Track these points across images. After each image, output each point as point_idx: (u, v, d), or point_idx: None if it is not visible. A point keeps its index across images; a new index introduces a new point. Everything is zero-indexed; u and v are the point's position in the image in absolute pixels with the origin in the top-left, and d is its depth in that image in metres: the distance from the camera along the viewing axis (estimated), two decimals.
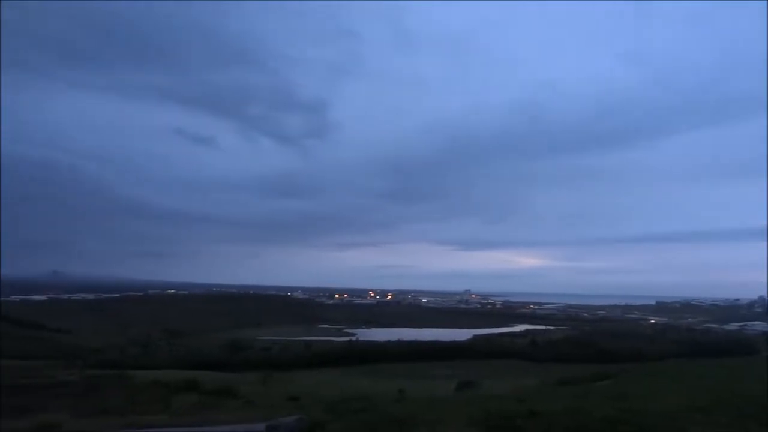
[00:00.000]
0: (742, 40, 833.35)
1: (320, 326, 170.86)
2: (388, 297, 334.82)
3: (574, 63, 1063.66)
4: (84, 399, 23.52)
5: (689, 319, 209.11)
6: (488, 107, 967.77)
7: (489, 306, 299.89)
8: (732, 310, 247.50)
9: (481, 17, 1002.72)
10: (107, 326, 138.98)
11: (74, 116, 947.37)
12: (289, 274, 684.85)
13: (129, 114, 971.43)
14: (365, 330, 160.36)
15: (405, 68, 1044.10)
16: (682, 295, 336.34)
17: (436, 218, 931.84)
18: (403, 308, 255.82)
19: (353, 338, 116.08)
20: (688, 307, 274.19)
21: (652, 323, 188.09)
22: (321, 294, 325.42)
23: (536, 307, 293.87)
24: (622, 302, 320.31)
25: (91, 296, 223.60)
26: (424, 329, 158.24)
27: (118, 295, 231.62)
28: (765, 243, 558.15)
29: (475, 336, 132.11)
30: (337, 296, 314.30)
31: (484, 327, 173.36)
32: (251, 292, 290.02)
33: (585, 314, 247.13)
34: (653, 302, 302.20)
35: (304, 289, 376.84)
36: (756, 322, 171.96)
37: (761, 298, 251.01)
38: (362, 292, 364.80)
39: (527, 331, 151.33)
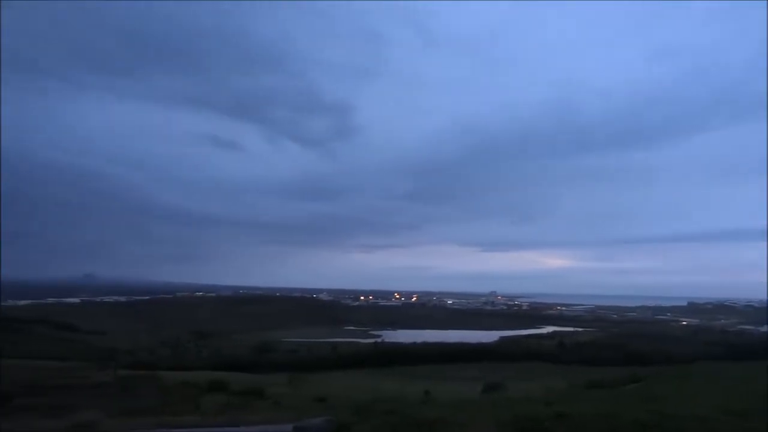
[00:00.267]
0: None
1: (346, 328, 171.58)
2: (413, 299, 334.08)
3: (603, 60, 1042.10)
4: (117, 399, 24.10)
5: (722, 321, 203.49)
6: (515, 107, 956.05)
7: (515, 307, 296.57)
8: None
9: (507, 17, 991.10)
10: (138, 328, 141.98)
11: (105, 123, 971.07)
12: (315, 276, 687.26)
13: (157, 120, 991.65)
14: (390, 332, 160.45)
15: (429, 69, 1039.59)
16: (715, 296, 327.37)
17: (461, 219, 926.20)
18: (428, 310, 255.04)
19: (379, 340, 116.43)
20: (721, 308, 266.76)
21: (684, 325, 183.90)
22: (346, 296, 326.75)
23: (563, 308, 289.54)
24: (653, 303, 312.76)
25: (122, 299, 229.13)
26: (449, 331, 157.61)
27: (148, 297, 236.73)
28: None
29: (502, 338, 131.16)
30: (362, 298, 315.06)
31: (511, 329, 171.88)
32: (277, 293, 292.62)
33: (614, 316, 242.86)
34: (685, 303, 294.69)
35: (329, 291, 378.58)
36: None
37: None
38: (387, 294, 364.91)
39: (554, 332, 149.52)
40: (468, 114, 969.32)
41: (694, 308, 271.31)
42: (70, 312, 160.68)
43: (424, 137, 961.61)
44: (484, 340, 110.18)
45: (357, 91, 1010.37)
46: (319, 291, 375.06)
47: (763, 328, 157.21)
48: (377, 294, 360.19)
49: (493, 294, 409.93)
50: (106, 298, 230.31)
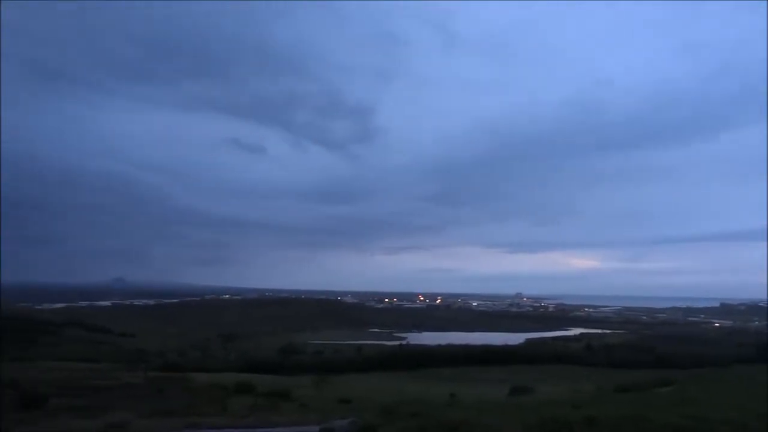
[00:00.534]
0: None
1: (370, 330, 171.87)
2: (438, 301, 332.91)
3: (629, 57, 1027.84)
4: (148, 400, 24.55)
5: (756, 322, 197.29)
6: (540, 106, 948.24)
7: (541, 309, 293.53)
8: None
9: (529, 16, 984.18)
10: (167, 330, 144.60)
11: (132, 129, 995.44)
12: (339, 278, 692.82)
13: (183, 125, 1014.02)
14: (415, 334, 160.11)
15: (450, 70, 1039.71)
16: (749, 297, 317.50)
17: (485, 220, 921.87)
18: (452, 312, 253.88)
19: (403, 342, 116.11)
20: (755, 309, 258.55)
21: (717, 326, 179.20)
22: (370, 298, 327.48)
23: (591, 310, 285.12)
24: (684, 305, 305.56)
25: (151, 302, 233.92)
26: (474, 333, 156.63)
27: (176, 300, 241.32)
28: None
29: (528, 340, 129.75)
30: (386, 300, 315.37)
31: (537, 331, 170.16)
32: (302, 296, 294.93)
33: (644, 317, 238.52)
34: (717, 304, 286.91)
35: (353, 294, 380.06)
36: None
37: None
38: (411, 296, 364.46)
39: (582, 334, 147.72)
40: (490, 114, 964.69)
41: (726, 309, 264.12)
42: (101, 315, 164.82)
43: (446, 138, 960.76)
44: (509, 342, 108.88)
45: (378, 94, 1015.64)
46: (344, 293, 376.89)
47: None
48: (401, 296, 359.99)
49: (519, 295, 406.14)
50: (136, 301, 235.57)
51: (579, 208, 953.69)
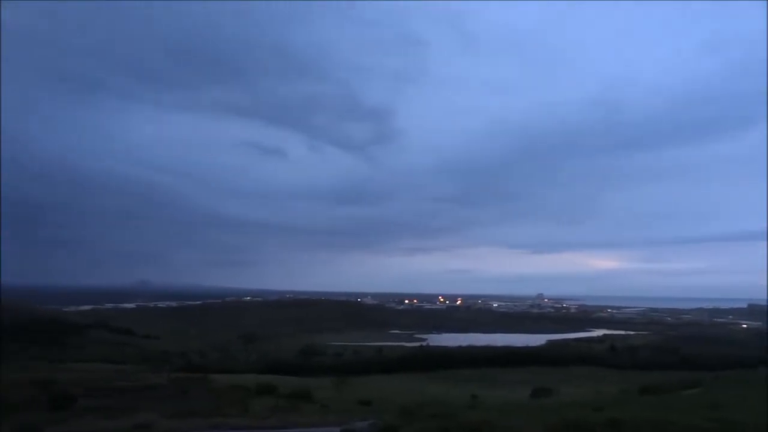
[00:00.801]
0: None
1: (391, 331, 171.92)
2: (458, 302, 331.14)
3: (652, 54, 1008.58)
4: (172, 401, 24.95)
5: None
6: (560, 105, 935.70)
7: (563, 310, 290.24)
8: None
9: (549, 15, 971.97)
10: (189, 332, 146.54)
11: (154, 133, 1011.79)
12: (359, 279, 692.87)
13: (204, 129, 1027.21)
14: (436, 335, 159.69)
15: (470, 71, 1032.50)
16: None
17: (505, 221, 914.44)
18: (473, 313, 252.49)
19: (424, 343, 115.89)
20: None
21: (744, 328, 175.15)
22: (391, 299, 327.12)
23: (614, 311, 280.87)
24: (710, 305, 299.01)
25: (174, 304, 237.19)
26: (495, 334, 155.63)
27: (199, 302, 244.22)
28: None
29: (550, 341, 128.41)
30: (406, 301, 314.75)
31: (559, 332, 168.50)
32: (323, 298, 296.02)
33: (668, 318, 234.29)
34: (745, 305, 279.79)
35: (373, 295, 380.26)
36: None
37: None
38: (431, 297, 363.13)
39: (605, 336, 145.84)
40: (511, 115, 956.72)
41: (754, 310, 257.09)
42: (126, 317, 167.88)
43: (466, 139, 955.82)
44: (531, 344, 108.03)
45: (397, 95, 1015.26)
46: (364, 295, 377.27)
47: None
48: (421, 297, 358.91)
49: (540, 296, 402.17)
50: (160, 304, 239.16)
51: (600, 208, 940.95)
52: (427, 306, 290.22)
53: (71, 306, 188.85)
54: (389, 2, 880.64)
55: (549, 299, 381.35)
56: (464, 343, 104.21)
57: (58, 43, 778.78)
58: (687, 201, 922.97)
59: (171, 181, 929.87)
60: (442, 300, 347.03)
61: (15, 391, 24.74)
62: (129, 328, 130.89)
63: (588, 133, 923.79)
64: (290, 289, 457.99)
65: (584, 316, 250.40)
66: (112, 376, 36.35)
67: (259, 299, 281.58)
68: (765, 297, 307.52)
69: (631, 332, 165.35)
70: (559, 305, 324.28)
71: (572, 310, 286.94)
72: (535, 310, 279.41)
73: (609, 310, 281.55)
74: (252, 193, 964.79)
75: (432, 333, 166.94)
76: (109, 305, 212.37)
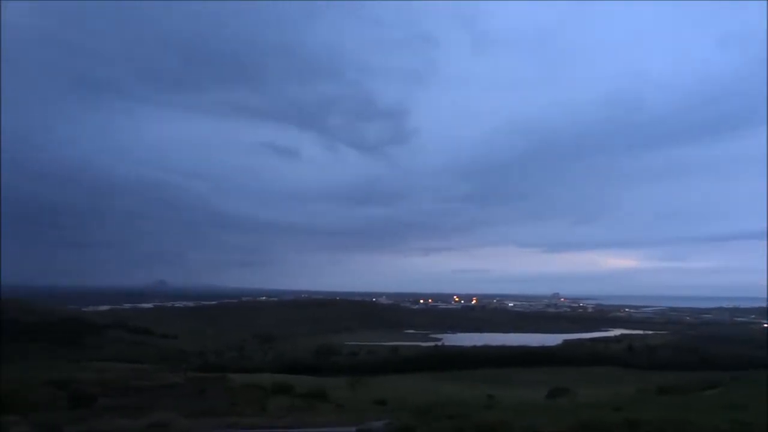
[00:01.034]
0: None
1: (406, 331, 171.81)
2: (473, 301, 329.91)
3: (668, 50, 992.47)
4: (189, 400, 25.21)
5: None
6: (576, 103, 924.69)
7: (580, 309, 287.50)
8: None
9: (562, 14, 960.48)
10: (206, 332, 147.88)
11: (171, 136, 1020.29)
12: (374, 279, 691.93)
13: (222, 131, 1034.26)
14: (451, 335, 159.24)
15: (483, 70, 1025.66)
16: None
17: (520, 220, 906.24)
18: (488, 313, 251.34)
19: (439, 343, 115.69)
20: None
21: (766, 327, 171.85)
22: (405, 299, 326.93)
23: (631, 310, 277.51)
24: (731, 305, 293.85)
25: (191, 304, 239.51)
26: (510, 334, 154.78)
27: (215, 302, 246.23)
28: None
29: (566, 341, 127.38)
30: (421, 301, 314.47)
31: (575, 332, 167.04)
32: (338, 298, 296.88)
33: (687, 318, 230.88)
34: (765, 304, 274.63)
35: (388, 295, 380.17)
36: None
37: None
38: (446, 297, 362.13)
39: (622, 335, 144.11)
40: (525, 114, 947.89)
41: None
42: (144, 317, 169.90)
43: (480, 139, 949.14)
44: (547, 344, 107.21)
45: (411, 95, 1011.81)
46: (379, 295, 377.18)
47: None
48: (436, 297, 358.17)
49: (556, 296, 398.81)
50: (177, 304, 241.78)
51: (617, 207, 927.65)
52: (442, 306, 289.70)
53: (90, 306, 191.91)
54: (401, 2, 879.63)
55: (565, 298, 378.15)
56: (479, 343, 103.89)
57: (80, 49, 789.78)
58: (707, 199, 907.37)
59: (187, 182, 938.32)
60: (456, 300, 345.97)
61: (35, 390, 25.18)
62: (147, 328, 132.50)
63: (602, 131, 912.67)
64: (306, 289, 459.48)
65: (601, 315, 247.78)
66: (130, 376, 36.79)
67: (275, 299, 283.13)
68: None
69: (650, 332, 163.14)
70: (576, 305, 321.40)
71: (589, 310, 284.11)
72: (551, 310, 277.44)
73: (627, 310, 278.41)
74: (267, 194, 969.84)
75: (447, 333, 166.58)
76: (128, 305, 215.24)
